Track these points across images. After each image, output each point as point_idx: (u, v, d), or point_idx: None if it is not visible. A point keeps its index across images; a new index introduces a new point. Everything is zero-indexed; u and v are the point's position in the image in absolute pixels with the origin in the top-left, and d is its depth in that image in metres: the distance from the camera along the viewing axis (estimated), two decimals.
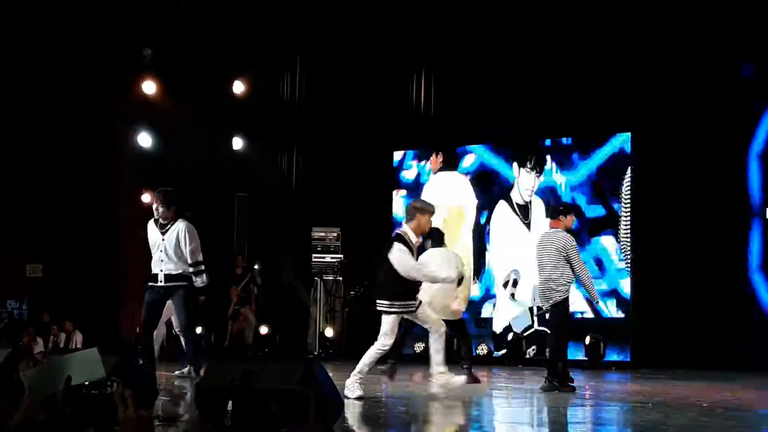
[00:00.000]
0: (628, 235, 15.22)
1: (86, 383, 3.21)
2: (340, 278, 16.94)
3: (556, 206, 11.31)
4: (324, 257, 16.90)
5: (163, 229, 10.34)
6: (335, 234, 16.95)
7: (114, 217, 18.21)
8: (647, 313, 14.97)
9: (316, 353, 16.32)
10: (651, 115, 15.14)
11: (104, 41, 16.77)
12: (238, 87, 17.97)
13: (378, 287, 9.42)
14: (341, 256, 16.94)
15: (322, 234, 17.05)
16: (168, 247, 10.22)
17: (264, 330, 16.69)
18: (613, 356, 14.98)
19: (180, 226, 10.34)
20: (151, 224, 10.50)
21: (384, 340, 9.06)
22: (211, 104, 17.19)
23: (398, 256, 9.02)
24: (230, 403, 5.83)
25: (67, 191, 17.67)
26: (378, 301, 9.19)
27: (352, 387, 8.98)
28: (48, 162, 17.63)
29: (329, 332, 16.68)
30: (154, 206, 10.50)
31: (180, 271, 10.19)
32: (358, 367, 9.09)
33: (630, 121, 15.37)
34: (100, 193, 17.82)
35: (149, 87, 17.46)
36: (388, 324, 9.06)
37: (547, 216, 11.10)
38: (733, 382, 11.66)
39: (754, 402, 9.52)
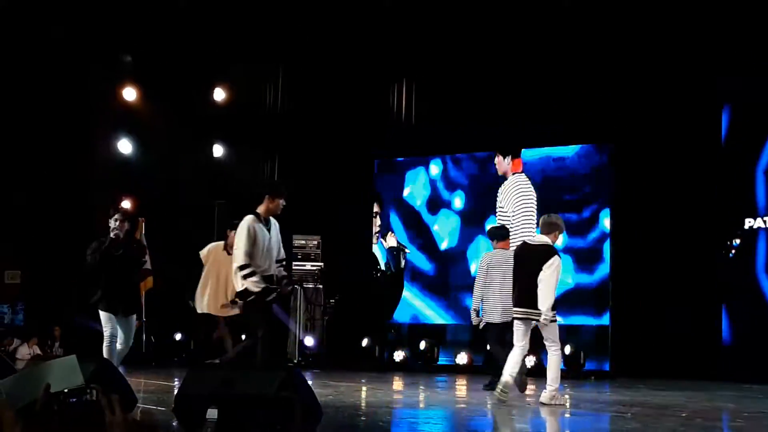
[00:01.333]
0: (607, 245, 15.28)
1: (65, 391, 3.19)
2: (321, 286, 16.89)
3: (498, 228, 11.44)
4: (304, 265, 16.85)
5: (267, 226, 9.39)
6: (316, 242, 16.90)
7: (93, 224, 18.12)
8: (626, 322, 15.00)
9: (295, 361, 16.28)
10: (632, 126, 15.18)
11: (85, 48, 16.72)
12: (219, 94, 17.94)
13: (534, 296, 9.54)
14: (321, 264, 16.91)
15: (303, 242, 17.00)
16: (275, 247, 9.41)
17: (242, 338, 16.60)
18: (591, 365, 15.00)
19: (277, 224, 9.48)
20: (257, 222, 9.32)
21: (558, 346, 9.58)
22: (191, 111, 17.14)
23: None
24: (209, 410, 5.81)
25: (47, 198, 17.59)
26: (538, 309, 9.44)
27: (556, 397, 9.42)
28: (27, 168, 17.54)
29: (309, 341, 16.64)
30: (281, 202, 9.40)
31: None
32: (552, 380, 9.44)
33: (612, 132, 15.41)
34: (79, 199, 17.73)
35: (130, 94, 17.42)
36: (557, 332, 9.57)
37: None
38: (712, 392, 11.70)
39: (732, 411, 9.55)
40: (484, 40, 16.05)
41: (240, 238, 9.24)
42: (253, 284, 9.17)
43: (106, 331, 10.14)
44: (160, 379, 12.03)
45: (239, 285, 9.26)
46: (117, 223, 10.28)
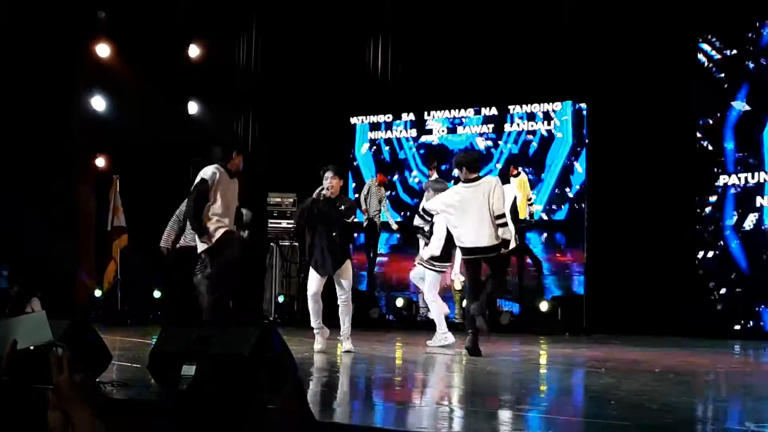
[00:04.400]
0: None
1: (31, 347, 3.16)
2: (296, 244, 16.87)
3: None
4: (280, 223, 16.84)
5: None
6: (291, 199, 16.87)
7: (68, 182, 17.99)
8: (600, 278, 15.09)
9: (271, 318, 16.30)
10: (606, 85, 15.19)
11: (57, 4, 16.51)
12: (194, 51, 17.81)
13: None
14: None
15: (278, 199, 16.97)
16: None
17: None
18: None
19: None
20: None
21: None
22: (166, 68, 17.02)
23: None
24: (184, 367, 5.77)
25: (19, 156, 17.40)
26: None
27: None
28: None
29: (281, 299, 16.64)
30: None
31: None
32: None
33: (586, 90, 15.42)
34: (53, 157, 17.57)
35: (103, 50, 17.25)
36: None
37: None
38: (685, 348, 11.79)
39: (706, 367, 9.63)
40: None
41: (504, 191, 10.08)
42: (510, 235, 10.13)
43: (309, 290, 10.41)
44: (136, 337, 12.02)
45: (496, 234, 9.85)
46: (326, 181, 10.35)
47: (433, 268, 11.38)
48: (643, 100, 14.89)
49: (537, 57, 15.46)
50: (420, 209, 10.91)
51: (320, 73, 17.29)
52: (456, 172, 10.63)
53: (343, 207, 10.31)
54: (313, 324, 10.46)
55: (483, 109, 16.44)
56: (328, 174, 10.36)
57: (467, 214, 9.92)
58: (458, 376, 8.66)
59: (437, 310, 11.51)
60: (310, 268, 10.41)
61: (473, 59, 16.14)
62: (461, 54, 16.29)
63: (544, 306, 14.96)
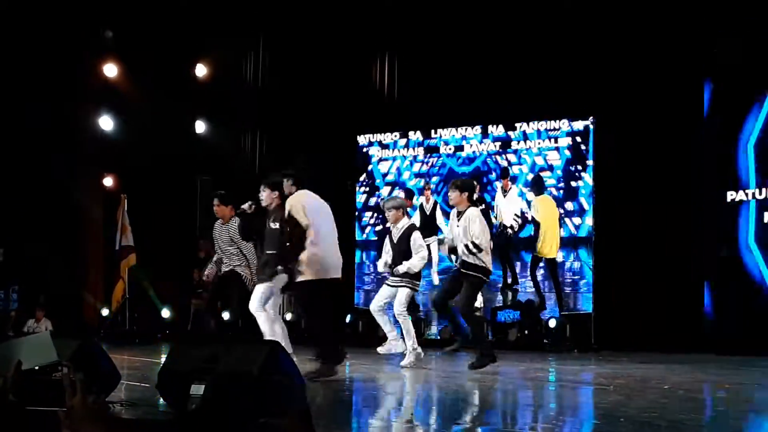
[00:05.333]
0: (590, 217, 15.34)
1: (36, 367, 3.16)
2: None
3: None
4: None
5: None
6: None
7: (75, 201, 18.03)
8: (608, 294, 15.06)
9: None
10: (613, 101, 15.18)
11: (65, 23, 16.59)
12: (201, 70, 17.86)
13: None
14: None
15: None
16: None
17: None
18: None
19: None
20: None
21: None
22: (173, 87, 17.07)
23: None
24: (193, 386, 5.77)
25: (27, 174, 17.45)
26: None
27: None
28: (6, 144, 17.39)
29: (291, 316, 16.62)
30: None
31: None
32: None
33: (594, 106, 15.42)
34: (61, 176, 17.62)
35: (111, 70, 17.31)
36: None
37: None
38: (694, 365, 11.74)
39: (714, 384, 9.60)
40: (466, 14, 16.01)
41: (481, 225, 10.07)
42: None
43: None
44: (144, 356, 12.01)
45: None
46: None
47: (414, 287, 11.06)
48: (649, 116, 14.88)
49: (543, 74, 15.44)
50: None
51: (327, 91, 17.30)
52: (456, 196, 10.32)
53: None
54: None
55: (490, 127, 16.44)
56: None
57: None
58: (466, 395, 8.64)
59: (409, 324, 10.98)
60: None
61: (480, 77, 16.14)
62: (468, 72, 16.28)
63: (552, 323, 14.96)
